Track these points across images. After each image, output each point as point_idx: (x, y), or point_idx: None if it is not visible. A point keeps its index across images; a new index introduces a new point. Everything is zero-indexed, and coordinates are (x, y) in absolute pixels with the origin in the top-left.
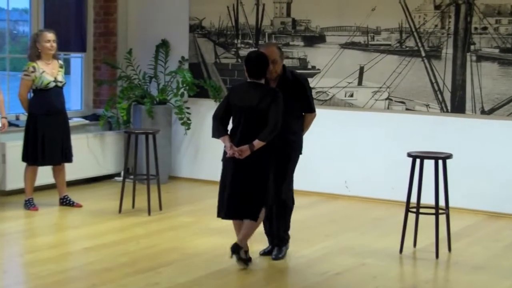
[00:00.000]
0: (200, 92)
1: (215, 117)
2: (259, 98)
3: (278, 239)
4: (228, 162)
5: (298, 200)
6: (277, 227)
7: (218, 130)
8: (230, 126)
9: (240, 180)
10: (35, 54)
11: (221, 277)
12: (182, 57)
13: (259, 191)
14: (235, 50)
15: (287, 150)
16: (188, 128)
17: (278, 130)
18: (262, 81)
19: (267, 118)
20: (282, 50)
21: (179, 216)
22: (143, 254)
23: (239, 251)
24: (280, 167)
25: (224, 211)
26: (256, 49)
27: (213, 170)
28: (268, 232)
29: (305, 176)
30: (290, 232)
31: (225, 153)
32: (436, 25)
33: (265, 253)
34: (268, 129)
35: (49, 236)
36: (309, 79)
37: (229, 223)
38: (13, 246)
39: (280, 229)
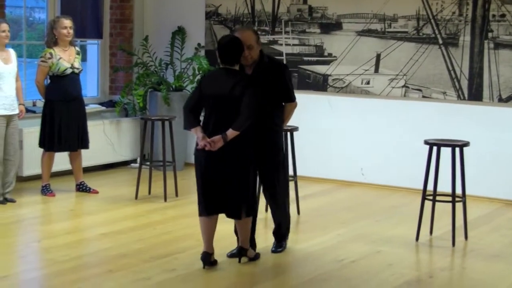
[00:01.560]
0: None
1: (186, 108)
2: (232, 85)
3: (277, 235)
4: (200, 154)
5: (313, 187)
6: (276, 222)
7: (189, 121)
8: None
9: (214, 174)
10: (52, 41)
11: (238, 264)
12: (198, 44)
13: (237, 187)
14: None
15: (270, 143)
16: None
17: (253, 118)
18: (236, 67)
19: (240, 107)
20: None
21: (195, 203)
22: (159, 241)
23: (246, 253)
24: (269, 162)
25: (205, 209)
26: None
27: None
28: (236, 231)
29: (320, 163)
30: (306, 219)
31: (197, 145)
32: (453, 12)
33: (232, 255)
34: (242, 117)
35: (65, 222)
36: (325, 66)
37: None
38: (30, 232)
39: (278, 224)
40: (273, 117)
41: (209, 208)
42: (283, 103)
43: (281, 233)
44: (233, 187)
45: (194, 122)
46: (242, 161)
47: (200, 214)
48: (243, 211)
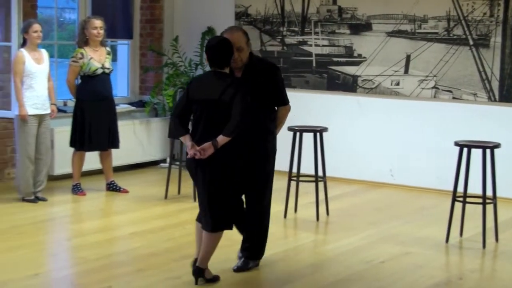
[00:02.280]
0: None
1: (173, 115)
2: (222, 89)
3: (251, 251)
4: (190, 162)
5: (343, 188)
6: (255, 238)
7: (177, 129)
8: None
9: (203, 183)
10: (83, 41)
11: (266, 265)
12: None
13: (220, 197)
14: (280, 37)
15: (261, 151)
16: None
17: (245, 124)
18: (226, 71)
19: (231, 112)
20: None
21: None
22: (189, 240)
23: (203, 273)
24: (258, 170)
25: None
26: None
27: None
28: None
29: (349, 164)
30: (335, 219)
31: (187, 154)
32: (484, 13)
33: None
34: (232, 123)
35: (96, 221)
36: (355, 67)
37: (277, 211)
38: (61, 231)
39: (256, 240)
40: (265, 122)
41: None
42: (276, 107)
43: (254, 249)
44: (215, 195)
45: (182, 130)
46: (226, 169)
47: (197, 219)
48: (212, 224)
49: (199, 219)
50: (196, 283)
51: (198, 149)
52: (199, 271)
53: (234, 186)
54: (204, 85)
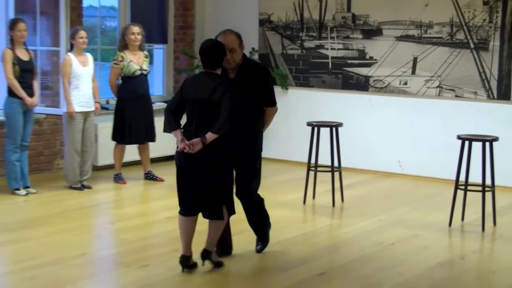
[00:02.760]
0: None
1: (167, 110)
2: (212, 89)
3: (258, 232)
4: (179, 156)
5: (356, 177)
6: (254, 225)
7: (169, 124)
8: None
9: (192, 175)
10: (123, 45)
11: (286, 246)
12: (253, 48)
13: (216, 187)
14: (300, 42)
15: (251, 147)
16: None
17: (232, 123)
18: (218, 71)
19: (220, 110)
20: (241, 38)
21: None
22: None
23: (210, 256)
24: (248, 164)
25: (183, 209)
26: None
27: (279, 150)
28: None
29: (362, 155)
30: (350, 206)
31: (177, 147)
32: (484, 20)
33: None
34: (220, 121)
35: (135, 207)
36: (367, 69)
37: (297, 197)
38: (105, 215)
39: (257, 227)
40: (254, 120)
41: (186, 208)
42: (264, 107)
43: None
44: (212, 188)
45: (174, 125)
46: (218, 162)
47: (180, 213)
48: (224, 212)
49: (184, 212)
50: (203, 264)
51: (188, 144)
52: (207, 254)
53: (230, 175)
54: (196, 85)
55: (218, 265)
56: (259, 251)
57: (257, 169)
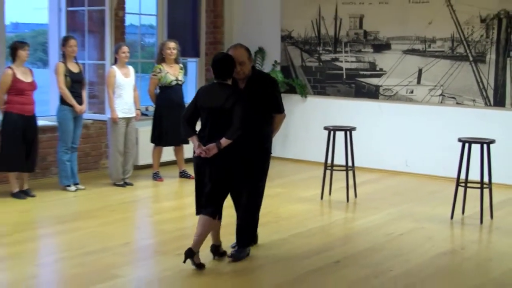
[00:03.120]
0: (290, 89)
1: (183, 118)
2: (224, 98)
3: (242, 237)
4: (196, 160)
5: (367, 176)
6: (242, 227)
7: (186, 131)
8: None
9: (205, 178)
10: (161, 59)
11: (306, 237)
12: (275, 61)
13: (222, 189)
14: (317, 55)
15: (261, 151)
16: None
17: (243, 129)
18: (229, 82)
19: (232, 118)
20: (251, 51)
21: (273, 187)
22: None
23: (193, 256)
24: (257, 167)
25: (197, 209)
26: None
27: (299, 150)
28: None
29: (373, 156)
30: (362, 201)
31: (194, 152)
32: (481, 35)
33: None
34: (233, 128)
35: (171, 201)
36: (377, 79)
37: (315, 194)
38: (144, 209)
39: (247, 225)
40: (264, 126)
41: (199, 208)
42: (273, 115)
43: (243, 236)
44: (217, 188)
45: (190, 132)
46: (229, 167)
47: (196, 213)
48: (216, 212)
49: (199, 212)
50: (184, 261)
51: (204, 149)
52: (191, 253)
53: (233, 181)
54: (209, 94)
55: (199, 266)
56: (232, 257)
57: (264, 172)
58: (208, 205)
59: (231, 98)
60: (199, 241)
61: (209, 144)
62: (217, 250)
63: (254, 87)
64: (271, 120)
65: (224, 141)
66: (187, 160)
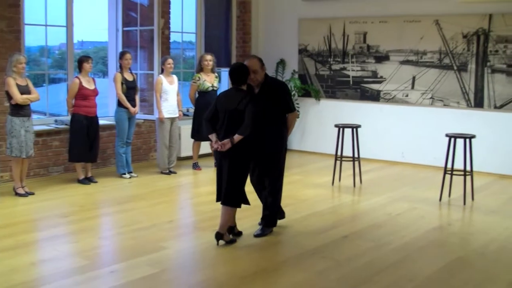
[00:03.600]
0: (306, 93)
1: (205, 119)
2: (238, 101)
3: (266, 220)
4: (215, 154)
5: (370, 165)
6: (268, 207)
7: (208, 129)
8: None
9: (222, 169)
10: (199, 69)
11: (319, 215)
12: (294, 70)
13: (234, 182)
14: (328, 65)
15: (276, 146)
16: (298, 117)
17: (252, 127)
18: (243, 87)
19: (244, 117)
20: (265, 62)
21: (292, 175)
22: None
23: (222, 237)
24: (273, 160)
25: (217, 196)
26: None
27: (314, 144)
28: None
29: (375, 149)
30: (366, 186)
31: (212, 146)
32: (464, 48)
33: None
34: (244, 125)
35: (208, 187)
36: (378, 85)
37: (327, 180)
38: (186, 193)
39: (269, 209)
40: (279, 124)
41: (218, 196)
42: (287, 115)
43: (266, 217)
44: (231, 179)
45: (211, 129)
46: (240, 159)
47: (216, 200)
48: (236, 200)
49: (219, 198)
50: (217, 244)
51: (220, 144)
52: (220, 235)
53: (247, 171)
54: (226, 98)
55: (231, 242)
56: (257, 235)
57: (280, 166)
58: (227, 196)
59: (244, 100)
60: (224, 225)
61: (225, 139)
62: (232, 231)
63: (267, 91)
64: (284, 119)
65: (237, 137)
66: None
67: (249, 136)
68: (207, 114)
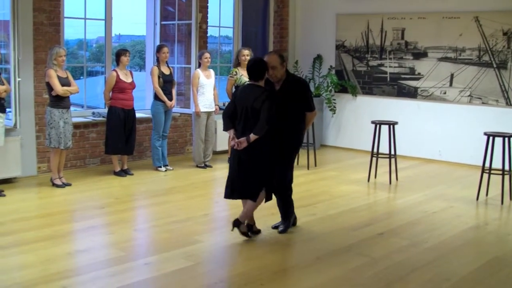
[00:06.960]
0: (342, 89)
1: (224, 115)
2: (254, 98)
3: (282, 215)
4: (232, 150)
5: (406, 162)
6: (280, 205)
7: (226, 124)
8: None
9: (238, 166)
10: (236, 63)
11: (355, 212)
12: (331, 66)
13: (254, 176)
14: (366, 61)
15: (293, 141)
16: (334, 113)
17: (269, 125)
18: (260, 83)
19: (260, 115)
20: (284, 57)
21: (328, 171)
22: (304, 195)
23: (239, 225)
24: (288, 154)
25: (225, 192)
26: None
27: (350, 141)
28: (279, 205)
29: (412, 146)
30: (402, 183)
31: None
32: (504, 46)
33: (275, 227)
34: (259, 125)
35: None
36: (416, 81)
37: (363, 177)
38: (220, 187)
39: (282, 206)
40: (298, 121)
41: (226, 192)
42: (305, 113)
43: (282, 211)
44: (251, 175)
45: (229, 125)
46: (258, 156)
47: (224, 196)
48: (261, 196)
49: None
50: (232, 230)
51: (236, 142)
52: (237, 222)
53: (267, 168)
54: (244, 94)
55: (246, 234)
56: (281, 232)
57: (292, 159)
58: (246, 189)
59: (260, 98)
60: (244, 216)
61: (241, 137)
62: (250, 229)
63: (288, 88)
64: (303, 116)
65: (252, 137)
66: None
67: (267, 133)
68: (227, 109)
